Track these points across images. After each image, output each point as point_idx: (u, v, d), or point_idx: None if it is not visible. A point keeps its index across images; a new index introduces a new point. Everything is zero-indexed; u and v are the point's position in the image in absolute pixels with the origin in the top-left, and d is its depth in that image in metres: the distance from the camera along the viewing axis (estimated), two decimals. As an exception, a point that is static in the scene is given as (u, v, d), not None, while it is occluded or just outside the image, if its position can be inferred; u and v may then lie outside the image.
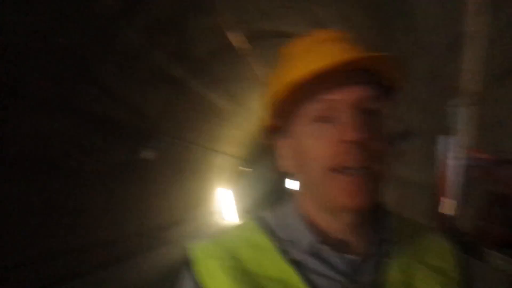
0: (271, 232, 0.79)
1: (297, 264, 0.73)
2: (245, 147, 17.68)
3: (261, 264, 0.74)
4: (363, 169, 0.69)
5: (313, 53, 0.75)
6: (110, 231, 7.90)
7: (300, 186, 0.82)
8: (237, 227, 0.86)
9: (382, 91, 0.76)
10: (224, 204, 16.48)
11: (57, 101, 5.89)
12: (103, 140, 7.28)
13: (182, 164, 11.53)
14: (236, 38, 7.81)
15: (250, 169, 18.45)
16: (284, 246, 0.76)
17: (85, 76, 6.25)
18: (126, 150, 8.21)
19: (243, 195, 18.34)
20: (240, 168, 18.10)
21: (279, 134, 0.84)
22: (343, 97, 0.71)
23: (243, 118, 15.09)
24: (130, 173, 8.54)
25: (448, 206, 1.46)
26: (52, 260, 6.27)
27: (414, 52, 4.01)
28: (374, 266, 0.76)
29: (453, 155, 1.37)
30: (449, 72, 2.88)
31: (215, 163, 14.98)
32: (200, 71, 9.57)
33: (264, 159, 20.43)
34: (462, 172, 1.38)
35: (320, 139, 0.72)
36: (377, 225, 0.80)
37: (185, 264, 0.79)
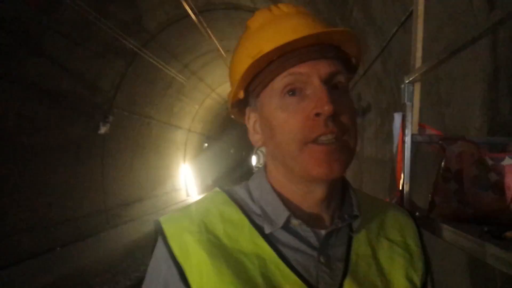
0: (243, 206, 0.79)
1: (271, 239, 0.74)
2: (207, 123, 17.60)
3: (236, 239, 0.73)
4: (335, 140, 0.70)
5: (279, 26, 0.75)
6: (69, 208, 7.75)
7: (271, 160, 0.80)
8: (207, 200, 0.83)
9: (346, 66, 0.77)
10: (188, 180, 16.43)
11: (2, 73, 5.62)
12: (55, 114, 7.04)
13: (143, 140, 11.37)
14: (191, 9, 7.62)
15: (209, 145, 18.42)
16: (258, 221, 0.76)
17: (32, 47, 5.98)
18: (81, 125, 7.99)
19: (204, 171, 18.35)
20: (204, 144, 18.06)
21: (248, 108, 0.83)
22: (311, 70, 0.71)
23: (204, 93, 14.96)
24: (87, 149, 8.35)
25: (404, 181, 1.46)
26: (9, 239, 6.11)
27: (369, 30, 4.03)
28: (342, 240, 0.78)
29: (406, 132, 1.38)
30: (402, 49, 2.90)
31: (178, 139, 14.85)
32: (156, 44, 9.35)
33: (224, 135, 20.44)
34: (415, 148, 1.39)
35: (291, 112, 0.71)
36: (343, 200, 0.82)
37: (159, 239, 0.76)
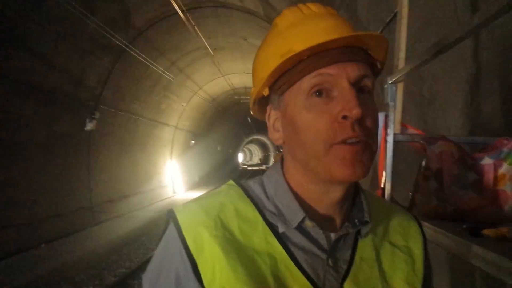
0: (258, 203, 0.78)
1: (283, 238, 0.74)
2: (194, 120, 17.55)
3: (250, 236, 0.73)
4: (360, 143, 0.69)
5: (310, 26, 0.74)
6: (54, 205, 7.68)
7: (290, 159, 0.79)
8: (223, 194, 0.81)
9: (371, 70, 0.77)
10: (175, 177, 16.38)
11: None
12: (41, 111, 6.97)
13: (129, 137, 11.30)
14: (178, 7, 7.59)
15: (196, 142, 18.38)
16: (271, 219, 0.75)
17: (17, 42, 5.91)
18: (67, 121, 7.91)
19: (191, 168, 18.30)
20: (191, 141, 18.01)
21: (269, 105, 0.81)
22: (341, 72, 0.70)
23: (191, 91, 14.91)
24: (73, 146, 8.28)
25: (386, 179, 1.48)
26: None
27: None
28: (348, 243, 0.78)
29: (389, 131, 1.39)
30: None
31: (165, 136, 14.79)
32: (143, 41, 9.29)
33: (211, 132, 20.41)
34: (397, 147, 1.41)
35: (317, 113, 0.70)
36: (354, 203, 0.81)
37: (171, 229, 0.74)
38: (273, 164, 0.86)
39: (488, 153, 1.23)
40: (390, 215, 0.89)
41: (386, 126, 1.42)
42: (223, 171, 24.29)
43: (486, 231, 1.02)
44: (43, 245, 7.12)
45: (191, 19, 8.65)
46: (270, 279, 0.70)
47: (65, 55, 7.11)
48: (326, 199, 0.76)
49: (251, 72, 0.85)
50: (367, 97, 0.73)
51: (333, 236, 0.75)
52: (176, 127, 15.57)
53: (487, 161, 1.21)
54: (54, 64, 6.92)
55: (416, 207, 1.34)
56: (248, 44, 11.44)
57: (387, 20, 2.80)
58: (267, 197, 0.79)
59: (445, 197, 1.25)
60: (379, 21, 3.05)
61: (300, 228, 0.74)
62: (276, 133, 0.80)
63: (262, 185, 0.82)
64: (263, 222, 0.75)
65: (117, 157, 10.67)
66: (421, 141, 1.31)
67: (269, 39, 0.79)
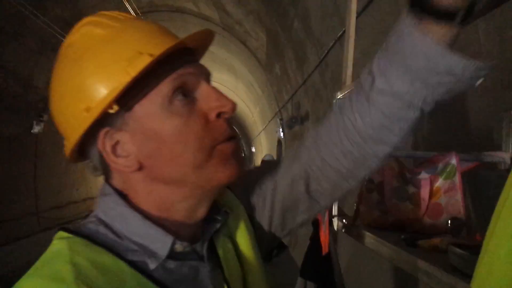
0: (112, 247, 0.63)
1: (157, 274, 0.63)
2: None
3: None
4: (236, 138, 0.68)
5: (147, 29, 0.65)
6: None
7: (146, 183, 0.67)
8: (64, 251, 0.62)
9: None
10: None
11: None
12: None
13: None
14: (133, 10, 7.51)
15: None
16: (136, 258, 0.63)
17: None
18: (14, 124, 7.62)
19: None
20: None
21: (102, 131, 0.65)
22: (199, 72, 0.67)
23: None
24: (19, 149, 7.98)
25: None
26: None
27: (308, 41, 4.15)
28: (211, 241, 0.73)
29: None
30: (338, 62, 3.04)
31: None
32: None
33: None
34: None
35: (190, 117, 0.64)
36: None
37: None
38: (102, 200, 0.71)
39: (425, 168, 1.32)
40: (224, 196, 0.83)
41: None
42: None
43: (420, 242, 1.10)
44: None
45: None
46: None
47: (13, 55, 6.87)
48: (197, 211, 0.70)
49: None
50: None
51: (206, 243, 0.70)
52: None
53: (423, 176, 1.30)
54: (1, 64, 6.66)
55: (360, 217, 1.42)
56: (204, 50, 11.46)
57: (339, 35, 2.90)
58: (119, 236, 0.65)
59: (386, 209, 1.33)
60: (332, 33, 3.16)
61: (172, 254, 0.64)
62: (122, 159, 0.65)
63: (105, 225, 0.66)
64: (128, 267, 0.61)
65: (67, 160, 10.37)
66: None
67: (93, 49, 0.64)
